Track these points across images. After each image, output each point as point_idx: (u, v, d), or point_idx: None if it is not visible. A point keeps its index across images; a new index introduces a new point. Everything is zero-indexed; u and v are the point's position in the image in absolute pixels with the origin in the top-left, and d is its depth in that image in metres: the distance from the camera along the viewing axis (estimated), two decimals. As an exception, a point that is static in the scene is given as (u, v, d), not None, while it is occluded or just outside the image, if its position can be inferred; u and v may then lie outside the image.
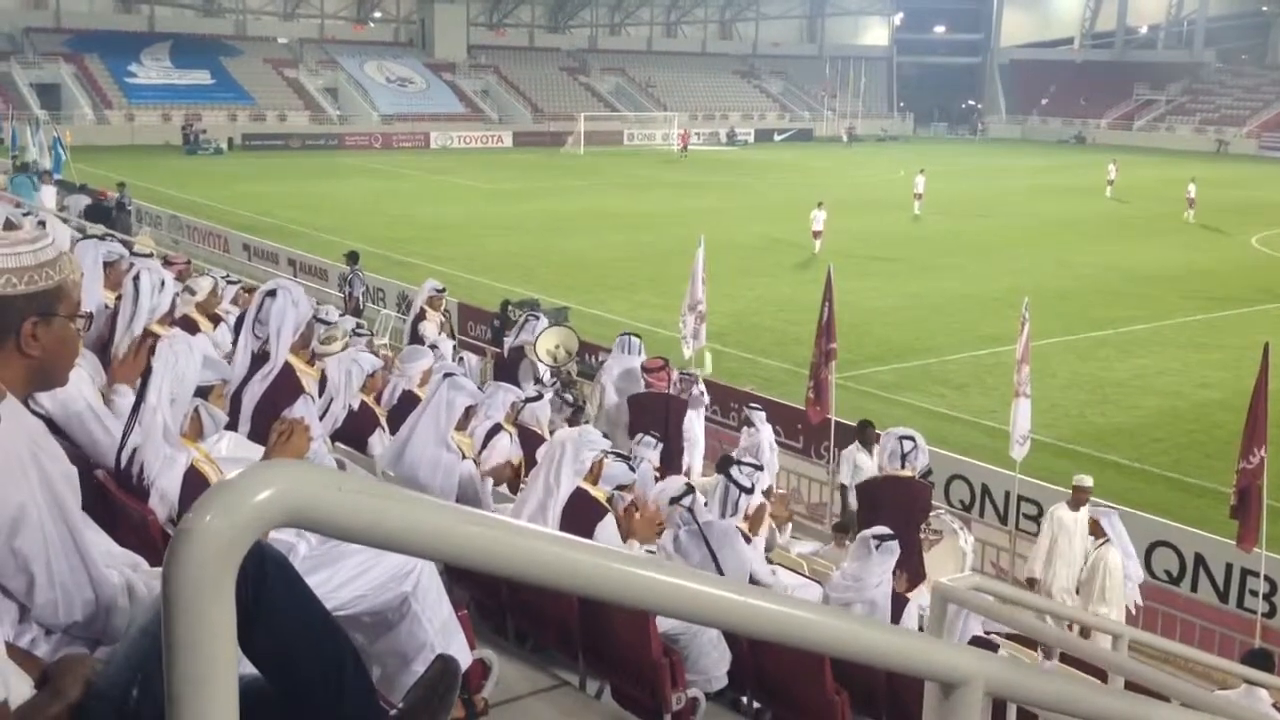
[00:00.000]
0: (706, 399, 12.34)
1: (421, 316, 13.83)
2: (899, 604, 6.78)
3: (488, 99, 76.30)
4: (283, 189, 43.67)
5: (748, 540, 6.70)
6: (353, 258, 20.78)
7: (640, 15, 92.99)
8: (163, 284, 6.69)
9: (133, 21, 70.58)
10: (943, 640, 3.83)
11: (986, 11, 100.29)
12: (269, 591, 2.22)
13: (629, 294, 26.25)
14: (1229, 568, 11.34)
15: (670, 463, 10.04)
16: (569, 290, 25.71)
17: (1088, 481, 11.01)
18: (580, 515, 6.01)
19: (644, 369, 11.36)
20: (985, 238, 36.10)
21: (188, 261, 11.14)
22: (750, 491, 6.94)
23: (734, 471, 7.05)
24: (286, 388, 6.32)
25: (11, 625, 2.40)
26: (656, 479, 8.91)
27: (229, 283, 10.74)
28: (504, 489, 7.37)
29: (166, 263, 10.65)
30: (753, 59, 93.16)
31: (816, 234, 31.68)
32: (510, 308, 18.49)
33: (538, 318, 13.00)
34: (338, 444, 7.35)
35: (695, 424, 11.72)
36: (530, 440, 8.30)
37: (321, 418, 7.59)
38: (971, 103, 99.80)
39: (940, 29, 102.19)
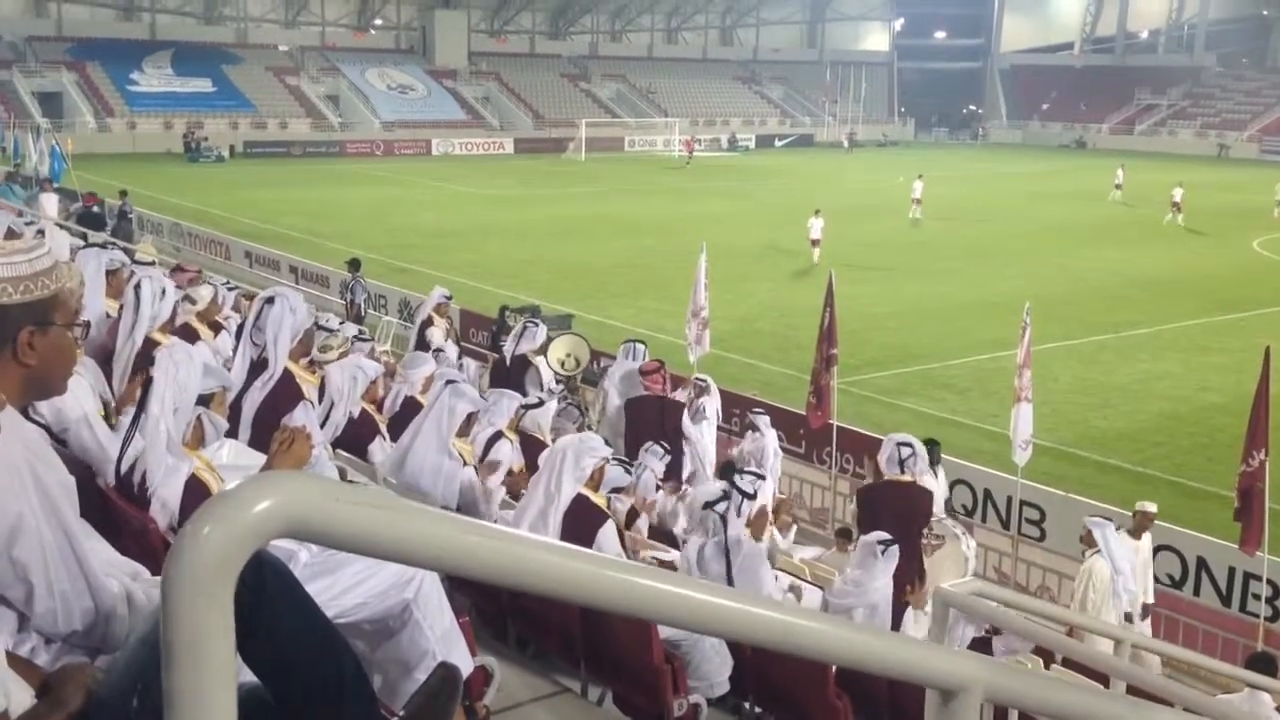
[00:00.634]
0: (718, 407, 12.11)
1: (429, 323, 13.88)
2: (899, 609, 6.79)
3: (489, 106, 76.41)
4: (284, 196, 43.72)
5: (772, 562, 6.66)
6: (354, 265, 20.81)
7: (641, 22, 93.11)
8: (164, 292, 6.72)
9: (134, 29, 70.73)
10: (941, 647, 3.83)
11: (987, 16, 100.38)
12: (268, 600, 2.22)
13: (631, 300, 26.26)
14: (1231, 571, 11.32)
15: (672, 467, 10.03)
16: (572, 296, 25.72)
17: (1151, 507, 10.36)
18: (581, 522, 6.01)
19: (641, 372, 11.41)
20: (986, 242, 36.11)
21: (199, 271, 11.15)
22: (754, 498, 6.94)
23: (737, 479, 7.05)
24: (286, 395, 6.34)
25: (11, 634, 2.40)
26: (658, 488, 8.93)
27: (229, 289, 10.75)
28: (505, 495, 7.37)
29: (179, 270, 10.68)
30: (753, 65, 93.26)
31: (815, 242, 31.34)
32: (508, 313, 18.49)
33: (536, 324, 13.03)
34: (339, 451, 7.35)
35: (706, 435, 11.69)
36: (532, 447, 8.31)
37: (323, 425, 7.61)
38: (972, 108, 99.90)
39: (941, 34, 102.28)
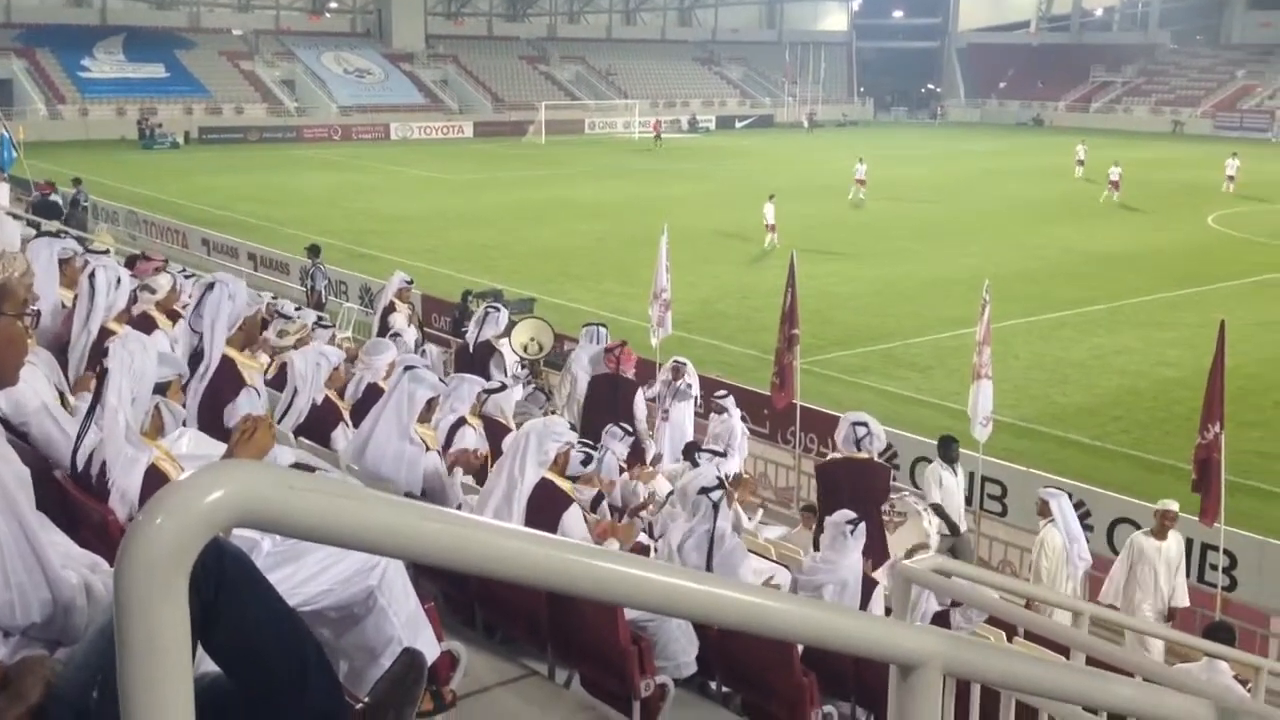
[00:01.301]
0: (696, 390, 12.15)
1: (391, 309, 13.80)
2: (868, 585, 6.84)
3: (447, 89, 75.85)
4: (241, 182, 43.24)
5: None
6: (314, 251, 20.67)
7: (599, 3, 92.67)
8: (118, 281, 6.63)
9: (85, 15, 69.49)
10: (901, 622, 3.87)
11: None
12: (229, 589, 2.20)
13: (594, 283, 26.23)
14: (1189, 543, 11.49)
15: (634, 448, 10.05)
16: (534, 280, 25.66)
17: (1174, 506, 10.04)
18: (545, 506, 6.01)
19: (605, 350, 11.61)
20: (945, 221, 36.33)
21: (165, 260, 11.02)
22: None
23: (698, 457, 7.07)
24: (227, 383, 6.24)
25: (-32, 629, 2.38)
26: (622, 470, 8.94)
27: (185, 277, 10.64)
28: (470, 480, 7.35)
29: (144, 259, 10.55)
30: (712, 45, 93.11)
31: (770, 228, 30.81)
32: (471, 298, 18.41)
33: (498, 309, 12.99)
34: (301, 439, 7.30)
35: (685, 415, 11.83)
36: (495, 431, 8.29)
37: (286, 411, 7.55)
38: (931, 87, 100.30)
39: (899, 14, 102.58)
